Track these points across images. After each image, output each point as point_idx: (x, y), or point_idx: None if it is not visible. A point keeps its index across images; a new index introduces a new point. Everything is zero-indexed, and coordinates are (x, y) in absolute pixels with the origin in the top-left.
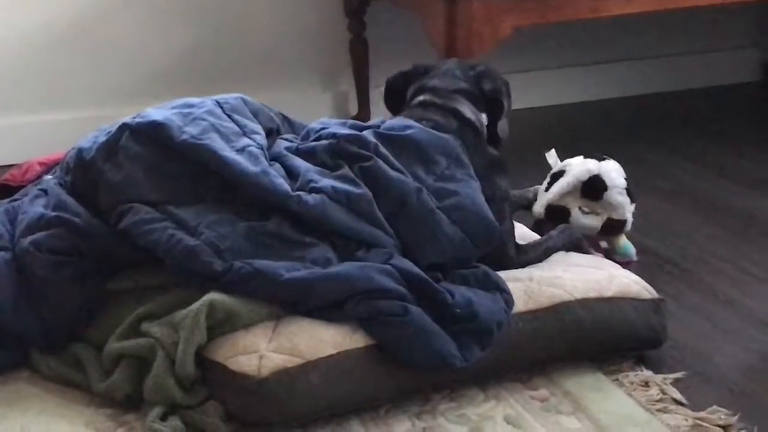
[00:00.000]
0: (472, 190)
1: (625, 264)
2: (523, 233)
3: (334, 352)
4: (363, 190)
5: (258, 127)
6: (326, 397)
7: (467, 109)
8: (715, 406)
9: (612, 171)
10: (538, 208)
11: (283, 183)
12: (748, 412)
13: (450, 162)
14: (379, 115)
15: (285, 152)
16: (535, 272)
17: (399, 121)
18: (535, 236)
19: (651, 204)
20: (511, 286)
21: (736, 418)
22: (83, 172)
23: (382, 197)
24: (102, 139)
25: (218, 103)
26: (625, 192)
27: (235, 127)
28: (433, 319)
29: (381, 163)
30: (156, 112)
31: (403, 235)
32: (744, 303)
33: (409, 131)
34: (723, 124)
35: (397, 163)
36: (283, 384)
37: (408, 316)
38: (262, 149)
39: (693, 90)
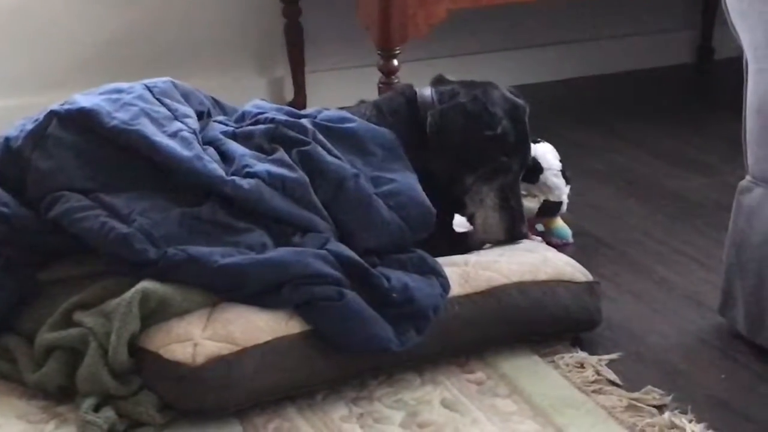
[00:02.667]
0: (409, 178)
1: (562, 246)
2: (462, 221)
3: (269, 338)
4: (299, 174)
5: (189, 111)
6: (262, 384)
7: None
8: (649, 387)
9: (547, 153)
10: None
11: (217, 168)
12: (682, 391)
13: (387, 154)
14: (315, 101)
15: (220, 136)
16: (472, 257)
17: (337, 113)
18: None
19: (586, 186)
20: (448, 271)
21: (670, 398)
22: (10, 161)
23: (319, 182)
24: (29, 127)
25: (148, 88)
26: (560, 174)
27: (166, 112)
28: (370, 303)
29: (319, 148)
30: (84, 99)
31: (339, 220)
32: (678, 283)
33: (346, 123)
34: (657, 106)
35: (334, 150)
36: (219, 371)
37: (344, 300)
38: (194, 133)
39: (627, 72)
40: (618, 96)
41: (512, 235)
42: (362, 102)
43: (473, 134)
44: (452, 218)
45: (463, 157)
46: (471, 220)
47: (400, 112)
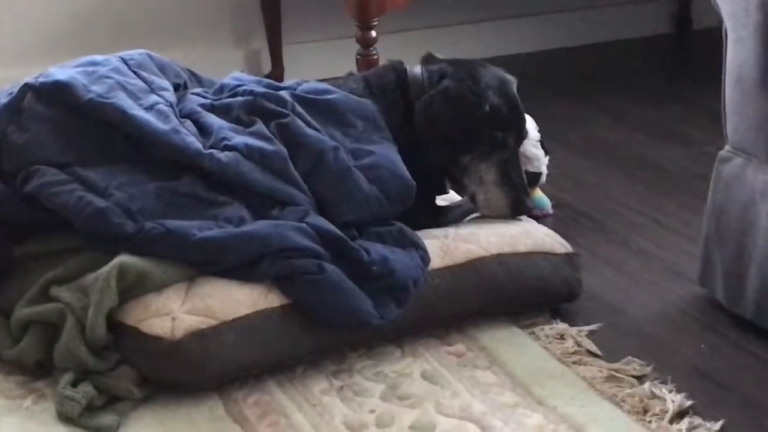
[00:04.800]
0: (388, 150)
1: (541, 217)
2: (451, 196)
3: (248, 312)
4: (277, 147)
5: (166, 83)
6: (241, 358)
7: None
8: (629, 357)
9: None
10: None
11: (194, 141)
12: (662, 362)
13: (367, 125)
14: (293, 74)
15: (198, 109)
16: (451, 229)
17: (317, 85)
18: (457, 197)
19: (565, 157)
20: (428, 243)
21: (650, 368)
22: None
23: (298, 154)
24: (4, 100)
25: (123, 60)
26: (539, 145)
27: (143, 84)
28: (349, 276)
29: (298, 120)
30: (60, 72)
31: (318, 193)
32: (657, 254)
33: (326, 95)
34: (636, 77)
35: (313, 122)
36: (198, 345)
37: (323, 274)
38: (171, 106)
39: (605, 43)
40: (596, 67)
41: (517, 209)
42: (351, 74)
43: (462, 117)
44: (435, 192)
45: (457, 141)
46: (473, 199)
47: (389, 89)
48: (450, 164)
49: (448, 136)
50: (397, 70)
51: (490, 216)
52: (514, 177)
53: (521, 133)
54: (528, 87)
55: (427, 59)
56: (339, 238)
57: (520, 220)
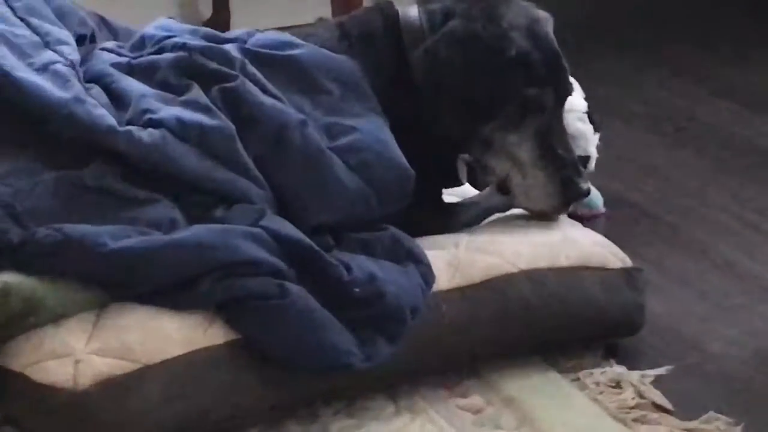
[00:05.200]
0: (376, 125)
1: (589, 219)
2: (456, 189)
3: (182, 352)
4: (221, 121)
5: (66, 35)
6: (172, 416)
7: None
8: (711, 413)
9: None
10: None
11: (105, 114)
12: (756, 418)
13: (346, 91)
14: (242, 20)
15: (110, 69)
16: (464, 236)
17: (275, 36)
18: (472, 190)
19: (623, 134)
20: (432, 255)
21: (740, 428)
22: None
23: (251, 132)
24: None
25: (6, 2)
26: (586, 118)
27: (33, 36)
28: (322, 302)
29: (249, 84)
30: None
31: (279, 185)
32: (750, 269)
33: (289, 50)
34: (718, 25)
35: (271, 87)
36: (111, 399)
37: (286, 298)
38: (73, 66)
39: None
40: (665, 12)
41: (569, 196)
42: (322, 21)
43: (479, 66)
44: (443, 183)
45: (472, 103)
46: (504, 186)
47: (375, 39)
48: (464, 139)
49: (460, 96)
50: (385, 12)
51: (530, 210)
52: (560, 150)
53: (563, 89)
54: (572, 39)
55: None
56: (308, 249)
57: (557, 220)
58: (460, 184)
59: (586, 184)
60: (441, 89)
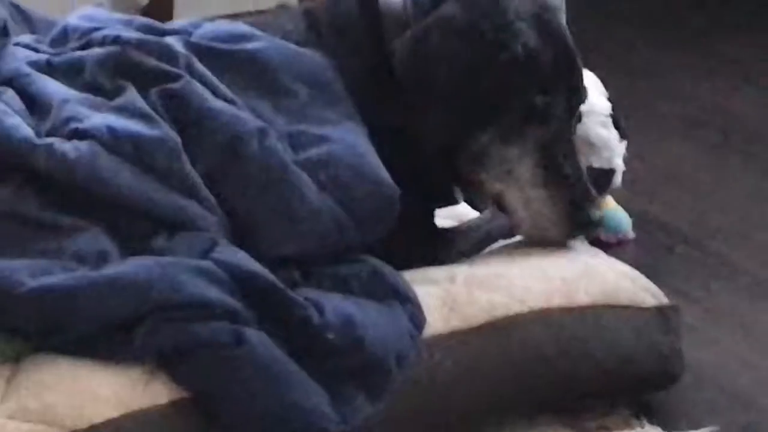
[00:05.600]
0: (352, 134)
1: (615, 245)
2: (452, 209)
3: (115, 414)
4: (163, 130)
5: None
6: None
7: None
8: None
9: (588, 88)
10: None
11: (20, 125)
12: None
13: (315, 93)
14: (188, 7)
15: (26, 69)
16: (462, 268)
17: (229, 27)
18: (470, 212)
19: (655, 141)
20: (422, 292)
21: None
22: None
23: (199, 143)
24: None
25: None
26: (609, 122)
27: None
28: (288, 351)
29: (196, 85)
30: None
31: (235, 208)
32: None
33: (245, 43)
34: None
35: (223, 88)
36: None
37: (243, 347)
38: None
39: None
40: None
41: (576, 223)
42: (284, 7)
43: (477, 63)
44: (433, 206)
45: (468, 107)
46: (499, 207)
47: (349, 28)
48: (457, 148)
49: (452, 96)
50: None
51: (528, 237)
52: (567, 168)
53: (576, 96)
54: (594, 23)
55: None
56: (269, 286)
57: (575, 248)
58: (455, 203)
59: (598, 212)
60: (428, 86)
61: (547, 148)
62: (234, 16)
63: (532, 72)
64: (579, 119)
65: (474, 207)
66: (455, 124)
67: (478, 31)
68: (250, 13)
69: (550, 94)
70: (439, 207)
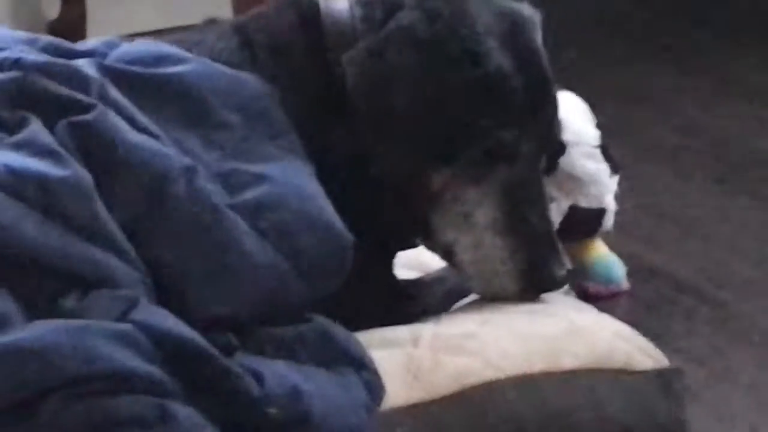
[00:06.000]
0: (296, 173)
1: (606, 298)
2: (415, 258)
3: None
4: (73, 170)
5: None
6: None
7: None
8: None
9: (569, 112)
10: None
11: None
12: None
13: (252, 123)
14: (101, 23)
15: None
16: (426, 328)
17: (148, 46)
18: (435, 261)
19: (652, 176)
20: (380, 356)
21: None
22: None
23: (116, 185)
24: None
25: None
26: (599, 153)
27: None
28: (223, 429)
29: (112, 116)
30: None
31: (158, 261)
32: None
33: (169, 67)
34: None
35: (144, 119)
36: None
37: (169, 424)
38: None
39: None
40: (712, 7)
41: (537, 283)
42: (211, 22)
43: (443, 82)
44: (392, 254)
45: (429, 133)
46: (449, 255)
47: (289, 46)
48: (408, 182)
49: (413, 122)
50: (302, 7)
51: (485, 296)
52: (531, 217)
53: (550, 131)
54: (572, 37)
55: None
56: (200, 352)
57: (560, 302)
58: (415, 245)
59: (562, 270)
60: (384, 109)
61: (511, 191)
62: (156, 33)
63: (501, 99)
64: (562, 152)
65: (428, 246)
66: (415, 155)
67: (442, 44)
68: (173, 30)
69: (520, 128)
70: (399, 250)
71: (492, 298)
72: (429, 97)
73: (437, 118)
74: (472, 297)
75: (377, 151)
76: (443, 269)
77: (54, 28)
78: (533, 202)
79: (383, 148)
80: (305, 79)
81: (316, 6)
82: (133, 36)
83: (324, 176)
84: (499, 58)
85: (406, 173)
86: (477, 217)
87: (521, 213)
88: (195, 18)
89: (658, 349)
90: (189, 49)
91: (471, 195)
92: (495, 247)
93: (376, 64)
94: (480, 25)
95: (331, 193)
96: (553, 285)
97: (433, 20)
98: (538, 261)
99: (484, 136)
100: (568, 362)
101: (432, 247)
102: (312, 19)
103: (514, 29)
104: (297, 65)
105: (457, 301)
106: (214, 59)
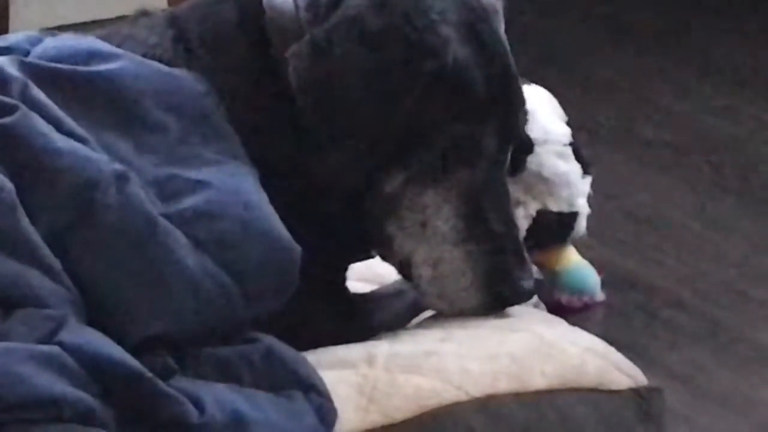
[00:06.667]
0: (238, 179)
1: (578, 310)
2: (370, 269)
3: None
4: None
5: None
6: None
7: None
8: None
9: (537, 108)
10: None
11: None
12: None
13: (188, 125)
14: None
15: None
16: (382, 346)
17: (75, 41)
18: (390, 273)
19: (628, 177)
20: (332, 377)
21: None
22: None
23: (40, 193)
24: None
25: None
26: (569, 152)
27: None
28: None
29: (35, 119)
30: None
31: (87, 276)
32: None
33: (99, 64)
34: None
35: (70, 122)
36: None
37: None
38: None
39: None
40: None
41: (500, 297)
42: (145, 15)
43: (396, 76)
44: (344, 265)
45: (381, 133)
46: (406, 268)
47: (227, 39)
48: (360, 189)
49: (364, 120)
50: (240, 1)
51: (445, 312)
52: (493, 223)
53: (512, 129)
54: (537, 21)
55: None
56: (133, 375)
57: (528, 315)
58: (370, 256)
59: (529, 281)
60: (333, 107)
61: (473, 195)
62: (83, 26)
63: (459, 93)
64: (530, 150)
65: (383, 257)
66: (366, 158)
67: (395, 35)
68: (103, 23)
69: (481, 123)
70: (352, 262)
71: (453, 315)
72: (380, 93)
73: (390, 116)
74: (429, 312)
75: (326, 153)
76: (400, 281)
77: None
78: (497, 206)
79: (332, 149)
80: (244, 76)
81: (258, 0)
82: (58, 29)
83: (268, 182)
84: (456, 49)
85: (358, 177)
86: (435, 225)
87: (484, 219)
88: (126, 10)
89: (635, 366)
90: (119, 45)
91: (428, 200)
92: (450, 258)
93: (323, 58)
94: (434, 13)
95: (275, 201)
96: (519, 298)
97: (382, 9)
98: (502, 272)
99: (442, 134)
100: (536, 382)
101: (387, 258)
102: (253, 10)
103: (472, 17)
104: (236, 61)
105: (415, 316)
106: (147, 55)
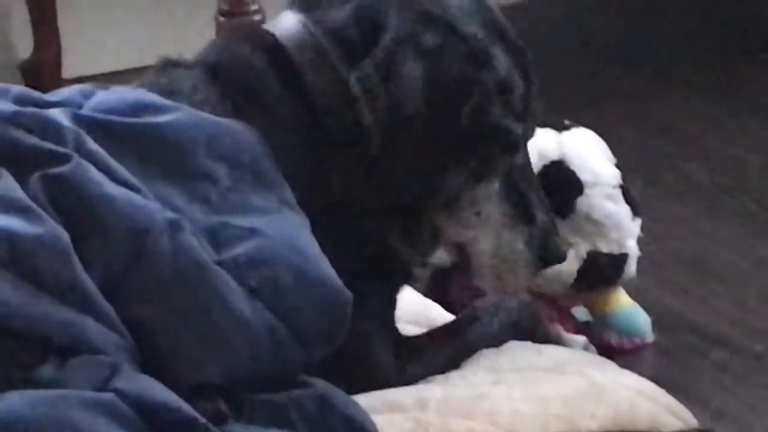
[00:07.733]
0: (289, 226)
1: (629, 352)
2: (414, 307)
3: None
4: (47, 227)
5: None
6: None
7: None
8: None
9: (587, 151)
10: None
11: None
12: None
13: (240, 175)
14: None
15: None
16: (434, 390)
17: (127, 94)
18: (442, 315)
19: (678, 217)
20: (384, 422)
21: None
22: None
23: (94, 242)
24: None
25: None
26: (619, 194)
27: None
28: None
29: (89, 168)
30: None
31: (141, 324)
32: None
33: (150, 116)
34: None
35: (123, 171)
36: None
37: None
38: None
39: None
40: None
41: (546, 259)
42: (171, 65)
43: (458, 85)
44: (394, 302)
45: (437, 144)
46: (461, 252)
47: (269, 93)
48: (424, 198)
49: (433, 129)
50: (260, 38)
51: (496, 291)
52: (531, 200)
53: (535, 111)
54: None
55: (306, 2)
56: (187, 422)
57: (579, 359)
58: (414, 280)
59: (563, 246)
60: (399, 124)
61: (512, 180)
62: (114, 75)
63: (507, 92)
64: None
65: (439, 298)
66: (426, 168)
67: (451, 48)
68: (133, 75)
69: (518, 119)
70: (402, 284)
71: (505, 293)
72: (447, 100)
73: (450, 126)
74: (482, 353)
75: (392, 167)
76: (450, 323)
77: (26, 69)
78: (531, 185)
79: (395, 164)
80: (287, 121)
81: (271, 35)
82: (112, 74)
83: (319, 222)
84: (502, 58)
85: (421, 184)
86: (489, 212)
87: (525, 199)
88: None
89: (686, 409)
90: (168, 96)
91: (481, 191)
92: (513, 241)
93: (392, 75)
94: (467, 20)
95: (323, 246)
96: (561, 261)
97: (428, 29)
98: (551, 243)
99: (497, 132)
100: (587, 425)
101: (448, 253)
102: (273, 51)
103: (503, 30)
104: (272, 104)
105: (466, 357)
106: (195, 106)
